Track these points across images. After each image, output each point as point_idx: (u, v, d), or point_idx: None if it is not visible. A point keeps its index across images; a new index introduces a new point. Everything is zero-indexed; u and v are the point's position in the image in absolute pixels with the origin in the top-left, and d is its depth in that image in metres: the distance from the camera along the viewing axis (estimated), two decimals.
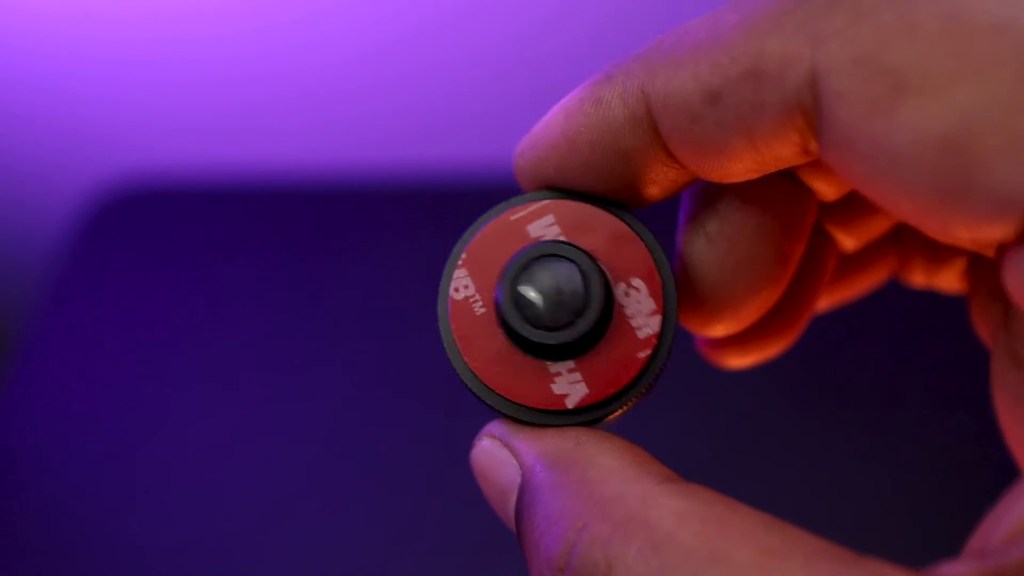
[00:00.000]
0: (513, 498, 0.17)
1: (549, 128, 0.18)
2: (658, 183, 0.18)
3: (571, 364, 0.18)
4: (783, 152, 0.16)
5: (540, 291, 0.17)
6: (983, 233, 0.15)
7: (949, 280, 0.24)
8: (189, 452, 0.48)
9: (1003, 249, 0.16)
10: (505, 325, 0.17)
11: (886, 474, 0.44)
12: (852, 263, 0.24)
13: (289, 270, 0.56)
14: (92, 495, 0.47)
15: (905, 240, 0.24)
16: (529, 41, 0.60)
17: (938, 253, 0.24)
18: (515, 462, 0.17)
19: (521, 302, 0.17)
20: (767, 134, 0.16)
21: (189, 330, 0.54)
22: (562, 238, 0.18)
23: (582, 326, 0.17)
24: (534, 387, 0.17)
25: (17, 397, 0.51)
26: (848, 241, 0.23)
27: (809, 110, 0.15)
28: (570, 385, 0.17)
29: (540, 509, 0.16)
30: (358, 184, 0.60)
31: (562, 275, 0.17)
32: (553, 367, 0.18)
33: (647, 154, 0.17)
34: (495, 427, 0.18)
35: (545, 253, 0.18)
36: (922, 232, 0.16)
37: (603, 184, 0.18)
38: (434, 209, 0.58)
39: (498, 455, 0.18)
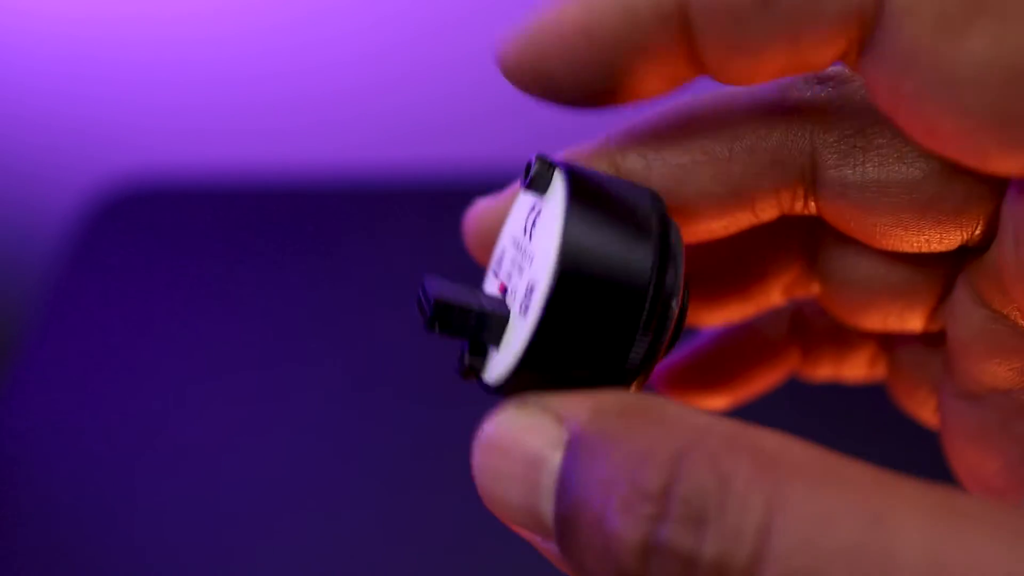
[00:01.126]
0: (550, 464, 0.15)
1: (560, 20, 0.17)
2: (666, 79, 0.17)
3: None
4: (821, 60, 0.16)
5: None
6: (1016, 162, 0.15)
7: (855, 368, 0.23)
8: (189, 451, 0.48)
9: (1018, 185, 0.16)
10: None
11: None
12: (756, 360, 0.24)
13: (289, 270, 0.56)
14: (92, 495, 0.47)
15: (808, 335, 0.24)
16: None
17: (844, 344, 0.23)
18: (551, 425, 0.15)
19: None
20: (817, 41, 0.15)
21: (189, 329, 0.54)
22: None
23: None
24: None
25: (17, 397, 0.51)
26: (708, 316, 0.23)
27: (868, 21, 0.15)
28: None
29: (621, 449, 0.14)
30: (358, 184, 0.60)
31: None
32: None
33: (670, 52, 0.16)
34: (529, 396, 0.16)
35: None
36: (943, 154, 0.16)
37: (610, 82, 0.17)
38: (434, 209, 0.58)
39: (526, 421, 0.16)
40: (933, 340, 0.21)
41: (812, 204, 0.19)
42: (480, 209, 0.20)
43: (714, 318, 0.23)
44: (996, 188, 0.17)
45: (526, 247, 0.17)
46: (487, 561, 0.43)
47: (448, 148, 0.62)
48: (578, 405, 0.15)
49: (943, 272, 0.20)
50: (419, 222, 0.57)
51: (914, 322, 0.21)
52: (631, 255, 0.16)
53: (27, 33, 0.63)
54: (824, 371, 0.24)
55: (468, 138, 0.63)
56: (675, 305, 0.16)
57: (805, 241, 0.21)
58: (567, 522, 0.15)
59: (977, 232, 0.18)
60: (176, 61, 0.64)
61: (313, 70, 0.64)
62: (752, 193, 0.19)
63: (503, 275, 0.18)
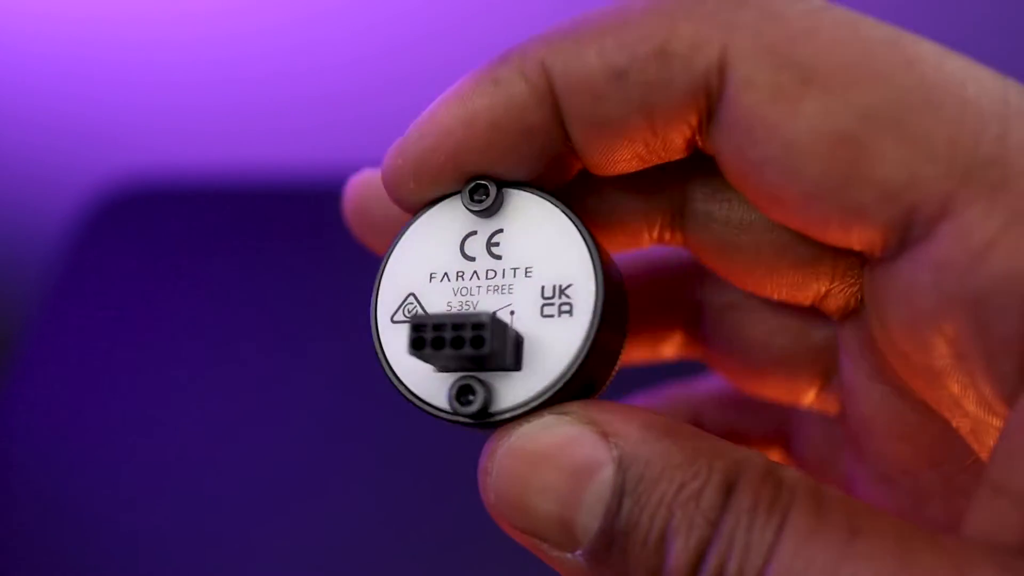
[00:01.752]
0: (601, 477, 0.15)
1: (438, 117, 0.17)
2: (554, 169, 0.18)
3: None
4: (675, 139, 0.17)
5: None
6: (854, 233, 0.16)
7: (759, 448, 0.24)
8: (189, 451, 0.48)
9: (868, 265, 0.17)
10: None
11: None
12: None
13: (288, 269, 0.56)
14: (91, 494, 0.47)
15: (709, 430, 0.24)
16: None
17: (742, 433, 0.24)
18: (597, 438, 0.16)
19: None
20: (668, 114, 0.16)
21: (188, 329, 0.54)
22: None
23: None
24: None
25: (17, 397, 0.51)
26: None
27: (713, 93, 0.16)
28: None
29: (675, 477, 0.15)
30: None
31: None
32: None
33: (548, 131, 0.17)
34: (565, 408, 0.17)
35: None
36: (796, 228, 0.17)
37: (501, 169, 0.17)
38: None
39: (571, 431, 0.16)
40: (834, 432, 0.22)
41: (679, 236, 0.20)
42: (363, 178, 0.21)
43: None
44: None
45: (491, 268, 0.18)
46: (486, 558, 0.43)
47: None
48: (624, 422, 0.16)
49: (822, 347, 0.20)
50: None
51: (803, 395, 0.21)
52: (604, 255, 0.17)
53: (27, 33, 0.63)
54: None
55: None
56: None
57: (688, 309, 0.22)
58: (616, 537, 0.15)
59: (836, 287, 0.18)
60: (176, 62, 0.64)
61: (313, 70, 0.64)
62: (621, 216, 0.19)
63: (444, 309, 0.18)
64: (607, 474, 0.15)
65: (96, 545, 0.45)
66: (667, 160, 0.18)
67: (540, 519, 0.16)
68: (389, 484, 0.46)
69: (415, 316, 0.17)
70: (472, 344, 0.16)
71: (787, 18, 0.16)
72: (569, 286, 0.17)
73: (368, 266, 0.60)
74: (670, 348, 0.23)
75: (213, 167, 0.63)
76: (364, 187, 0.21)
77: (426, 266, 0.18)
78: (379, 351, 0.18)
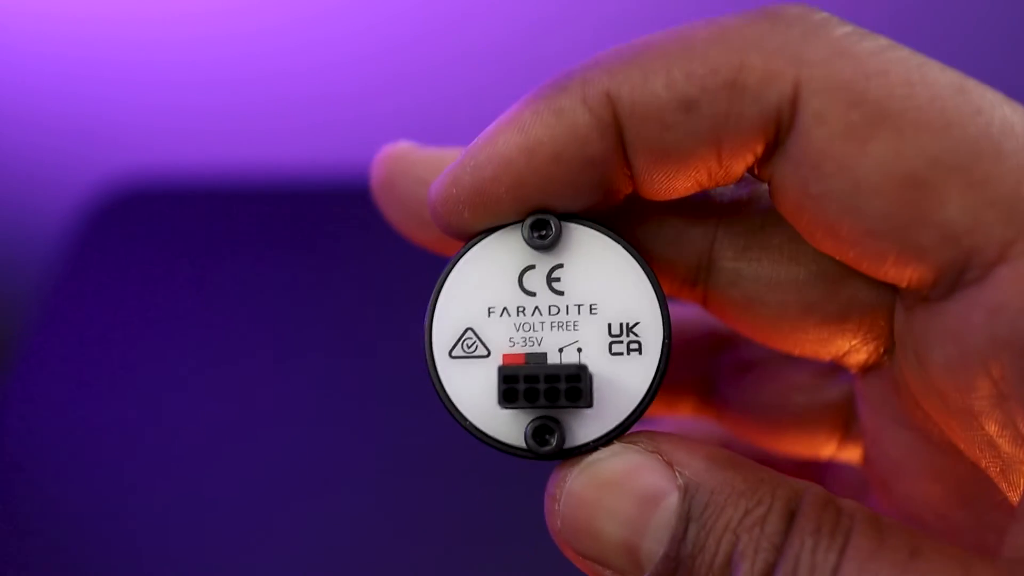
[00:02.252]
0: (667, 504, 0.16)
1: (497, 147, 0.17)
2: (607, 194, 0.18)
3: None
4: (737, 167, 0.17)
5: None
6: (908, 271, 0.16)
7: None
8: (189, 450, 0.48)
9: (905, 305, 0.17)
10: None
11: None
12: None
13: (288, 269, 0.56)
14: (91, 493, 0.47)
15: None
16: (528, 41, 0.60)
17: None
18: (663, 467, 0.16)
19: None
20: (737, 146, 0.16)
21: (189, 329, 0.54)
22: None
23: None
24: None
25: (17, 396, 0.51)
26: None
27: (783, 126, 0.16)
28: None
29: (740, 504, 0.16)
30: (358, 184, 0.60)
31: None
32: None
33: (610, 162, 0.17)
34: (632, 438, 0.17)
35: None
36: (845, 260, 0.17)
37: (560, 199, 0.17)
38: None
39: (640, 460, 0.17)
40: (861, 474, 0.22)
41: (699, 292, 0.20)
42: (394, 152, 0.20)
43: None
44: (880, 301, 0.18)
45: (556, 303, 0.18)
46: (487, 559, 0.43)
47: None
48: (688, 452, 0.17)
49: (839, 402, 0.21)
50: None
51: (823, 449, 0.22)
52: (661, 295, 0.18)
53: (27, 33, 0.63)
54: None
55: (467, 138, 0.63)
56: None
57: (701, 373, 0.23)
58: (682, 562, 0.16)
59: (859, 343, 0.19)
60: (176, 61, 0.64)
61: (313, 70, 0.64)
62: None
63: (504, 347, 0.18)
64: (673, 501, 0.16)
65: (96, 545, 0.45)
66: (723, 184, 0.18)
67: (606, 544, 0.17)
68: (390, 484, 0.46)
69: (505, 369, 0.17)
70: (567, 396, 0.17)
71: (858, 56, 0.16)
72: (636, 324, 0.17)
73: (367, 264, 0.60)
74: (683, 411, 0.23)
75: (213, 167, 0.63)
76: (395, 162, 0.20)
77: (483, 299, 0.18)
78: (439, 387, 0.18)
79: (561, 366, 0.17)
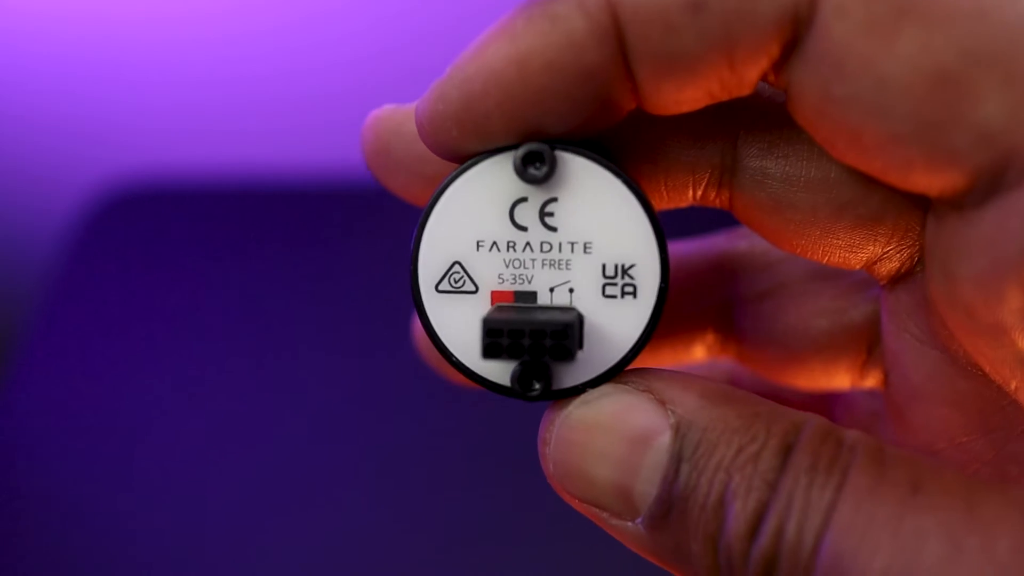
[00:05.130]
0: (658, 445, 0.15)
1: (486, 57, 0.16)
2: (604, 108, 0.16)
3: None
4: (750, 74, 0.16)
5: None
6: (939, 177, 0.15)
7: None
8: (189, 450, 0.48)
9: (935, 214, 0.16)
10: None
11: None
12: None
13: (289, 269, 0.56)
14: (92, 492, 0.47)
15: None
16: None
17: None
18: (654, 407, 0.16)
19: None
20: (750, 48, 0.15)
21: (188, 329, 0.54)
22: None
23: None
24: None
25: (17, 396, 0.51)
26: None
27: (801, 23, 0.15)
28: None
29: (733, 441, 0.15)
30: (358, 184, 0.60)
31: None
32: None
33: (609, 73, 0.15)
34: (624, 377, 0.17)
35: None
36: (864, 167, 0.16)
37: (555, 116, 0.16)
38: None
39: (629, 400, 0.16)
40: (877, 402, 0.21)
41: (725, 194, 0.18)
42: (386, 113, 0.19)
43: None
44: (917, 204, 0.17)
45: (548, 239, 0.17)
46: (485, 557, 0.43)
47: None
48: (681, 389, 0.16)
49: (864, 324, 0.20)
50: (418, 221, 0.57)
51: (841, 378, 0.21)
52: (659, 232, 0.17)
53: (27, 33, 0.63)
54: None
55: None
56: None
57: (719, 305, 0.22)
58: (675, 504, 0.15)
59: (892, 250, 0.17)
60: (176, 61, 0.64)
61: (313, 70, 0.64)
62: (667, 167, 0.18)
63: (492, 283, 0.17)
64: (664, 440, 0.15)
65: (96, 545, 0.45)
66: (735, 95, 0.16)
67: (598, 487, 0.16)
68: (391, 485, 0.46)
69: (489, 321, 0.16)
70: (552, 353, 0.16)
71: None
72: (632, 266, 0.17)
73: (367, 264, 0.60)
74: (700, 350, 0.23)
75: (213, 167, 0.63)
76: (383, 123, 0.19)
77: (472, 232, 0.17)
78: (425, 322, 0.17)
79: (548, 321, 0.16)
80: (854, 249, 0.18)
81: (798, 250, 0.18)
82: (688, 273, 0.22)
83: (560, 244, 0.17)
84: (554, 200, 0.17)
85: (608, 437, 0.16)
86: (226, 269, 0.57)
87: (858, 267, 0.18)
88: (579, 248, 0.17)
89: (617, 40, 0.15)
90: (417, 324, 0.17)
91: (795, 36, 0.15)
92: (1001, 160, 0.14)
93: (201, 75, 0.65)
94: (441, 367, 0.20)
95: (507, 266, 0.17)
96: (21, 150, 0.68)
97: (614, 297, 0.17)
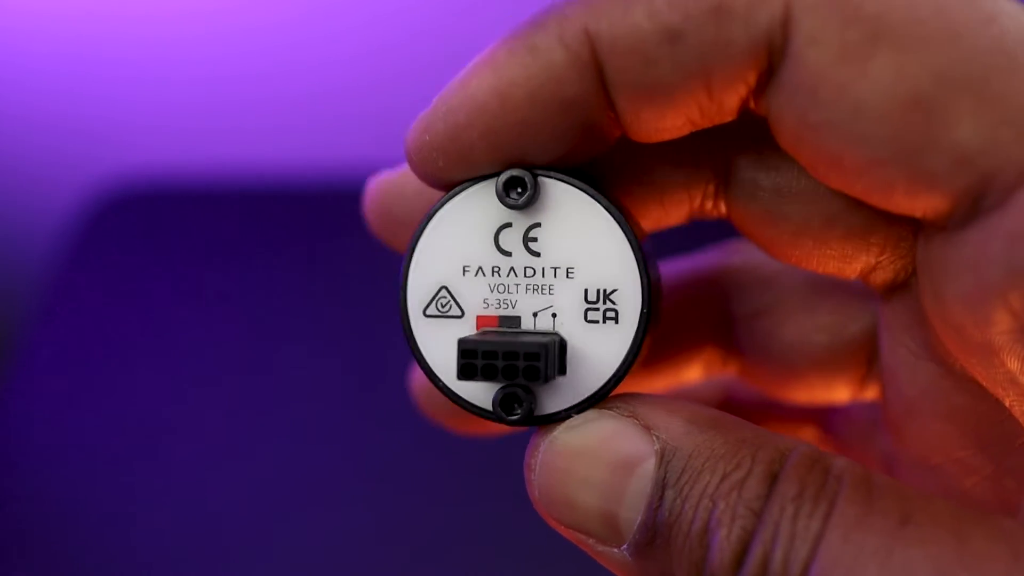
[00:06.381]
0: (642, 471, 0.15)
1: (470, 89, 0.16)
2: (592, 140, 0.17)
3: None
4: (730, 102, 0.16)
5: None
6: (920, 200, 0.15)
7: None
8: (188, 451, 0.48)
9: (924, 233, 0.16)
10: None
11: None
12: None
13: (289, 269, 0.56)
14: (91, 494, 0.47)
15: (741, 412, 0.23)
16: None
17: (781, 427, 0.23)
18: (639, 433, 0.16)
19: None
20: (727, 77, 0.15)
21: (188, 329, 0.54)
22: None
23: None
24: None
25: (17, 396, 0.51)
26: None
27: (775, 51, 0.15)
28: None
29: (719, 468, 0.15)
30: (358, 184, 0.60)
31: None
32: None
33: (589, 104, 0.16)
34: (609, 403, 0.16)
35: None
36: (847, 190, 0.16)
37: (538, 146, 0.16)
38: None
39: (614, 426, 0.16)
40: (876, 414, 0.21)
41: (722, 205, 0.19)
42: (382, 182, 0.20)
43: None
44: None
45: (532, 264, 0.17)
46: (484, 561, 0.43)
47: None
48: (668, 415, 0.16)
49: (863, 337, 0.20)
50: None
51: (842, 391, 0.21)
52: (650, 256, 0.17)
53: (27, 33, 0.63)
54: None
55: None
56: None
57: (717, 322, 0.22)
58: (659, 531, 0.15)
59: (886, 259, 0.17)
60: (176, 61, 0.64)
61: (314, 69, 0.64)
62: (662, 187, 0.18)
63: (478, 308, 0.17)
64: (648, 467, 0.15)
65: (96, 545, 0.45)
66: (717, 123, 0.17)
67: (583, 514, 0.16)
68: (386, 486, 0.46)
69: (464, 342, 0.16)
70: (525, 375, 0.16)
71: None
72: (614, 291, 0.17)
73: (367, 264, 0.60)
74: (699, 367, 0.22)
75: (213, 167, 0.63)
76: (386, 186, 0.20)
77: (458, 257, 0.17)
78: (413, 346, 0.17)
79: (522, 343, 0.16)
80: (847, 259, 0.18)
81: (793, 260, 0.18)
82: (685, 290, 0.22)
83: (543, 269, 0.17)
84: (537, 225, 0.17)
85: (592, 463, 0.16)
86: (226, 268, 0.57)
87: (853, 277, 0.18)
88: (561, 273, 0.17)
89: (596, 72, 0.16)
90: (415, 384, 0.18)
91: (770, 65, 0.15)
92: (979, 183, 0.14)
93: (201, 74, 0.64)
94: (443, 419, 0.21)
95: (492, 291, 0.17)
96: (21, 150, 0.68)
97: (596, 322, 0.17)
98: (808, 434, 0.23)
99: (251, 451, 0.48)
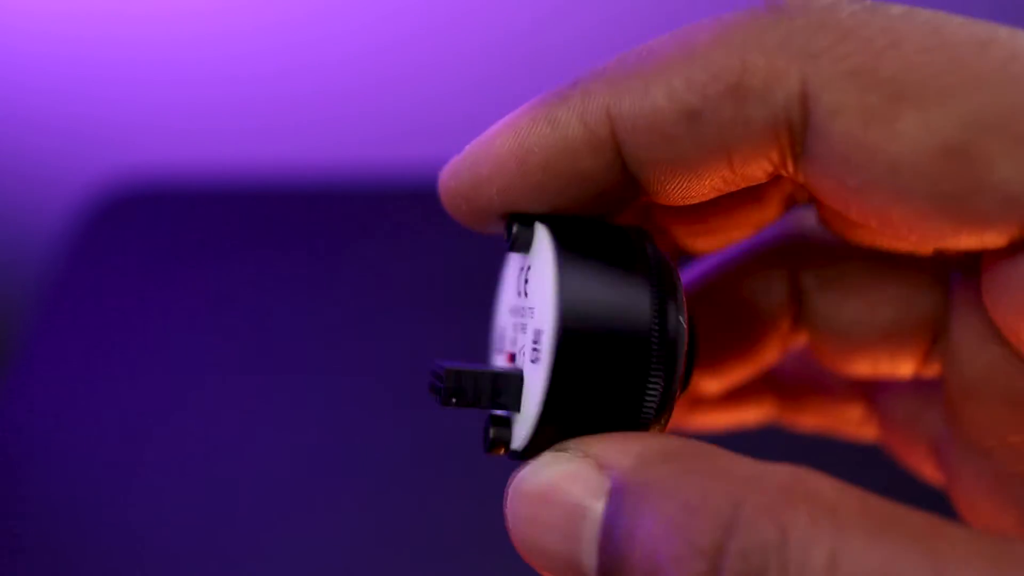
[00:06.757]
0: (592, 514, 0.15)
1: (493, 147, 0.17)
2: (607, 204, 0.17)
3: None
4: (755, 172, 0.16)
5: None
6: (975, 239, 0.15)
7: (843, 426, 0.23)
8: (188, 452, 0.48)
9: (993, 260, 0.16)
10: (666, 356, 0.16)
11: (884, 475, 0.44)
12: (723, 402, 0.23)
13: (289, 270, 0.56)
14: (91, 495, 0.47)
15: (789, 392, 0.23)
16: (528, 40, 0.60)
17: (829, 404, 0.23)
18: (592, 472, 0.15)
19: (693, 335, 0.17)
20: (747, 152, 0.16)
21: (188, 330, 0.54)
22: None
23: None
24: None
25: (16, 397, 0.51)
26: (712, 384, 0.22)
27: (796, 127, 0.15)
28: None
29: (665, 506, 0.14)
30: (358, 184, 0.60)
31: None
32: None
33: (605, 176, 0.17)
34: (568, 443, 0.16)
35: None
36: (898, 242, 0.16)
37: (551, 207, 0.17)
38: (433, 209, 0.58)
39: (565, 468, 0.15)
40: (927, 392, 0.21)
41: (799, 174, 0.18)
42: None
43: (717, 385, 0.22)
44: None
45: (524, 306, 0.18)
46: (486, 564, 0.43)
47: (447, 148, 0.62)
48: (619, 451, 0.15)
49: (931, 312, 0.20)
50: (418, 222, 0.57)
51: (905, 366, 0.21)
52: (630, 297, 0.16)
53: (26, 32, 0.63)
54: (812, 421, 0.23)
55: (467, 138, 0.63)
56: (682, 343, 0.16)
57: (791, 292, 0.21)
58: (613, 573, 0.15)
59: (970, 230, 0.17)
60: (176, 60, 0.64)
61: (314, 69, 0.64)
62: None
63: (508, 346, 0.18)
64: (598, 509, 0.15)
65: (96, 545, 0.45)
66: (748, 185, 0.17)
67: (553, 560, 0.16)
68: (388, 490, 0.46)
69: (436, 363, 0.17)
70: (437, 394, 0.17)
71: (866, 35, 0.15)
72: (541, 332, 0.17)
73: (367, 265, 0.59)
74: (776, 345, 0.22)
75: (213, 167, 0.63)
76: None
77: (506, 300, 0.19)
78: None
79: (466, 371, 0.17)
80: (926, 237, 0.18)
81: (867, 239, 0.18)
82: (756, 264, 0.22)
83: (527, 309, 0.18)
84: (530, 267, 0.18)
85: (551, 509, 0.15)
86: (226, 268, 0.57)
87: (929, 252, 0.18)
88: (531, 314, 0.17)
89: (614, 149, 0.16)
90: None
91: (793, 140, 0.15)
92: None
93: (201, 74, 0.65)
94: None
95: (513, 330, 0.18)
96: (21, 150, 0.68)
97: (535, 362, 0.17)
98: (855, 412, 0.23)
99: (252, 451, 0.48)
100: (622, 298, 0.16)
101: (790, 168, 0.16)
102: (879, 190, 0.15)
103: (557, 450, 0.16)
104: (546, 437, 0.16)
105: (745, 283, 0.21)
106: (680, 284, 0.17)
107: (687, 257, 0.22)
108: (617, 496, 0.15)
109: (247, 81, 0.64)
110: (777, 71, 0.15)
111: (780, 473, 0.14)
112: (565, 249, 0.16)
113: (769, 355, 0.22)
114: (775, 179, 0.18)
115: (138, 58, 0.64)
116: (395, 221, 0.58)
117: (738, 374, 0.22)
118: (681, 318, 0.16)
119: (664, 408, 0.17)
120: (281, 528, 0.45)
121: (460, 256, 0.54)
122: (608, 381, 0.16)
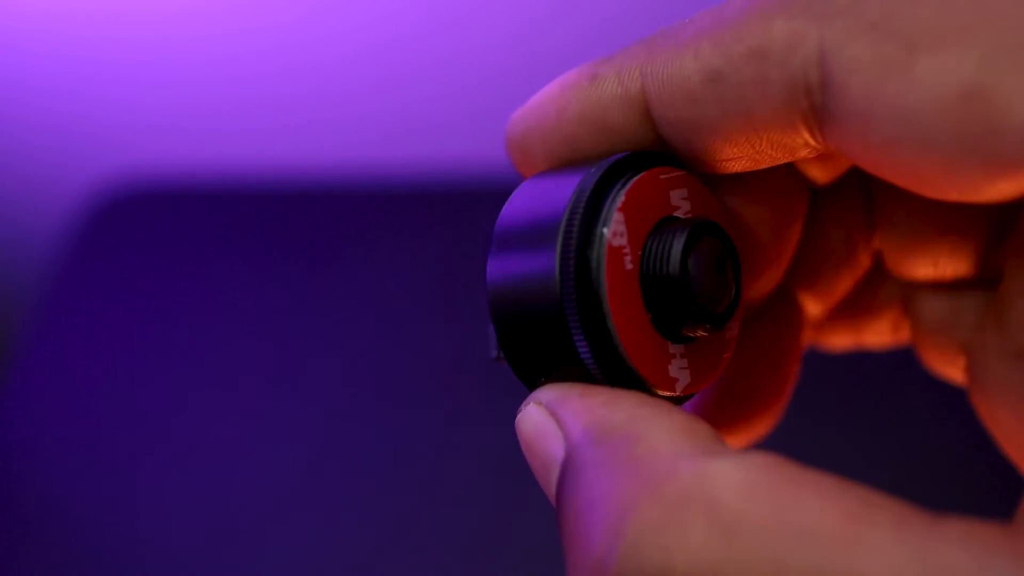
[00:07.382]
0: (556, 474, 0.16)
1: (543, 100, 0.19)
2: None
3: (682, 349, 0.17)
4: (783, 139, 0.16)
5: (706, 268, 0.17)
6: (1006, 186, 0.15)
7: (877, 335, 0.23)
8: (188, 452, 0.48)
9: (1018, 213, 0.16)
10: (664, 292, 0.16)
11: (886, 475, 0.44)
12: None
13: (289, 270, 0.56)
14: (91, 495, 0.47)
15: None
16: (528, 40, 0.60)
17: (864, 310, 0.23)
18: (560, 434, 0.16)
19: (691, 275, 0.16)
20: (768, 115, 0.16)
21: (188, 330, 0.54)
22: (691, 215, 0.17)
23: (729, 311, 0.17)
24: (654, 364, 0.16)
25: (16, 397, 0.51)
26: (814, 307, 0.22)
27: (815, 88, 0.15)
28: (680, 370, 0.17)
29: (582, 491, 0.15)
30: (358, 184, 0.60)
31: (719, 257, 0.17)
32: (672, 347, 0.17)
33: (634, 134, 0.18)
34: (545, 393, 0.17)
35: (704, 231, 0.17)
36: (941, 198, 0.16)
37: (585, 156, 0.18)
38: (434, 209, 0.58)
39: (543, 425, 0.16)
40: (963, 296, 0.21)
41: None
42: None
43: (818, 307, 0.22)
44: None
45: None
46: (486, 564, 0.43)
47: (448, 148, 0.62)
48: (572, 419, 0.16)
49: (995, 214, 0.20)
50: (419, 222, 0.57)
51: (966, 266, 0.20)
52: (535, 271, 0.17)
53: (26, 32, 0.63)
54: (844, 340, 0.23)
55: (468, 138, 0.63)
56: (605, 301, 0.16)
57: (865, 205, 0.21)
58: (561, 534, 0.15)
59: None
60: (176, 60, 0.64)
61: (314, 69, 0.64)
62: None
63: None
64: (555, 473, 0.16)
65: (96, 546, 0.45)
66: (790, 160, 0.17)
67: (549, 492, 0.17)
68: (389, 489, 0.46)
69: None
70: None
71: None
72: None
73: (367, 265, 0.59)
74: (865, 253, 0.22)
75: (213, 167, 0.63)
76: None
77: None
78: None
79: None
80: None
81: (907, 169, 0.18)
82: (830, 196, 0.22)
83: None
84: None
85: (533, 456, 0.17)
86: (227, 269, 0.57)
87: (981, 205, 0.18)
88: None
89: (643, 106, 0.17)
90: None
91: (813, 101, 0.15)
92: None
93: (201, 74, 0.65)
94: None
95: None
96: (21, 150, 0.68)
97: None
98: (889, 318, 0.23)
99: (252, 451, 0.48)
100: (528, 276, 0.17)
101: (817, 137, 0.16)
102: (903, 144, 0.15)
103: (536, 401, 0.17)
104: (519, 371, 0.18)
105: (824, 205, 0.21)
106: (613, 220, 0.16)
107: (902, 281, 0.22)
108: (563, 470, 0.16)
109: (247, 81, 0.64)
110: (796, 33, 0.15)
111: (685, 475, 0.14)
112: (495, 251, 0.18)
113: (863, 264, 0.22)
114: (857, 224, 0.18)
115: (138, 58, 0.64)
116: (395, 221, 0.58)
117: (834, 293, 0.22)
118: (601, 271, 0.16)
119: (607, 354, 0.16)
120: (281, 527, 0.45)
121: (460, 256, 0.54)
122: (539, 336, 0.17)
